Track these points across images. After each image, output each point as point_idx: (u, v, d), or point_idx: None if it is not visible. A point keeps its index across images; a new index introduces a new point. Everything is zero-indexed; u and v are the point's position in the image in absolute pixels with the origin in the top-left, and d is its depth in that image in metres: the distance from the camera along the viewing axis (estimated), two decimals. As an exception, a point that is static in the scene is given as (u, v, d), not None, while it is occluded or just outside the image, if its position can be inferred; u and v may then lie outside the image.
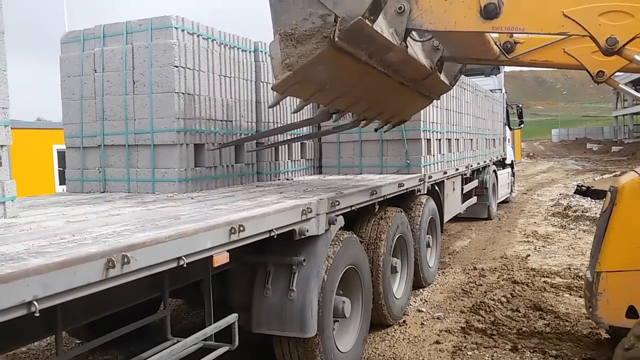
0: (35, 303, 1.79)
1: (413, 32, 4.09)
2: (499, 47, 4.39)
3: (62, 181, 14.05)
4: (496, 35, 4.40)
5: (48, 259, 1.90)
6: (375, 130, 5.95)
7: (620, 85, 3.72)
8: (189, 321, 5.91)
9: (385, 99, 4.95)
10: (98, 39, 4.86)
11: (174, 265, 2.43)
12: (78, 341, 4.99)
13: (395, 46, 3.81)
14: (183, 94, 4.64)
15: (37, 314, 1.80)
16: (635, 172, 3.76)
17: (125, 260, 2.11)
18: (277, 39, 3.41)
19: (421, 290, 6.68)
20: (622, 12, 3.35)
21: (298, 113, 5.26)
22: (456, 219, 10.01)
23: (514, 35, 4.37)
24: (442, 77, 5.10)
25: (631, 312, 3.53)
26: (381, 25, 3.65)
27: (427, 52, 4.70)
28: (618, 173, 20.64)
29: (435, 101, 7.24)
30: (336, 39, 3.27)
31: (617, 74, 3.99)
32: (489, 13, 3.54)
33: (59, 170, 13.94)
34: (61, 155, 14.34)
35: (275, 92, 3.79)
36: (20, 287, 1.74)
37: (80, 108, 4.96)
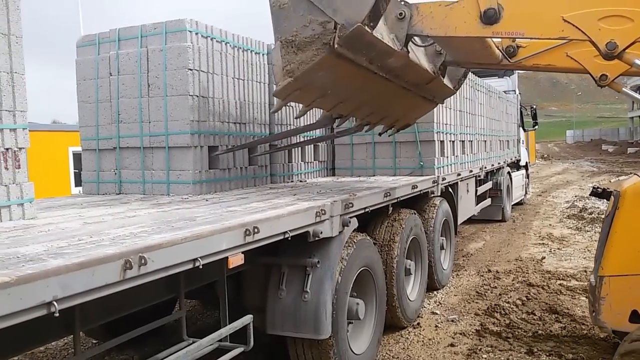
0: (55, 303, 1.81)
1: (415, 37, 4.11)
2: (501, 52, 4.39)
3: (78, 183, 14.22)
4: (499, 39, 4.40)
5: (67, 260, 1.92)
6: (380, 134, 5.97)
7: (623, 89, 3.70)
8: (203, 322, 5.94)
9: (388, 104, 4.98)
10: (113, 42, 4.91)
11: (190, 266, 2.45)
12: (94, 341, 5.04)
13: (396, 52, 3.84)
14: (197, 96, 4.67)
15: (57, 314, 1.82)
16: (638, 175, 3.73)
17: (143, 261, 2.13)
18: (278, 46, 3.46)
19: (435, 292, 6.65)
20: (621, 17, 3.35)
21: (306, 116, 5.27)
22: (470, 221, 9.94)
23: (517, 39, 4.36)
24: (446, 81, 5.11)
25: (634, 317, 3.49)
26: (381, 31, 3.67)
27: (429, 56, 4.73)
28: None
29: (448, 102, 7.25)
30: (336, 46, 3.32)
31: (628, 77, 3.96)
32: (489, 18, 3.56)
33: (74, 172, 14.09)
34: (76, 157, 14.52)
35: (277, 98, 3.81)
36: (40, 287, 1.76)
37: (96, 111, 5.01)
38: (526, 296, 6.36)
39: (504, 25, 3.57)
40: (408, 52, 4.00)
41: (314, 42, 3.37)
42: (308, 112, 4.70)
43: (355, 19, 3.28)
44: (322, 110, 4.92)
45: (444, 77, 4.96)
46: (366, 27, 3.34)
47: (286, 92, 3.62)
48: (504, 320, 5.59)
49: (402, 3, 4.03)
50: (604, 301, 3.55)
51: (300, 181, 6.29)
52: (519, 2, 3.69)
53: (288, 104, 5.27)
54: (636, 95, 3.70)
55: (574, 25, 3.41)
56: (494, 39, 4.33)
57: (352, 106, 4.59)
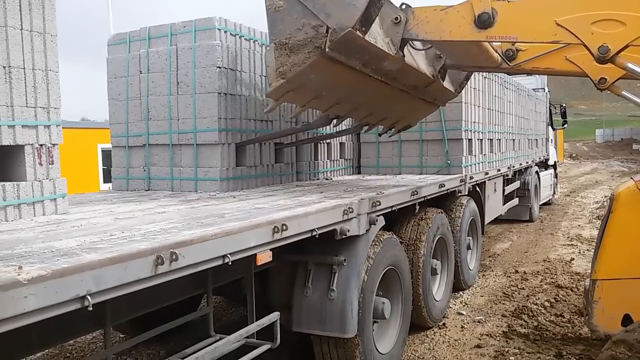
0: (89, 297, 1.84)
1: (413, 41, 4.13)
2: (500, 55, 4.39)
3: (106, 179, 14.47)
4: (498, 43, 4.37)
5: (100, 255, 1.95)
6: (379, 134, 5.93)
7: (623, 92, 3.64)
8: (228, 318, 5.99)
9: (386, 105, 4.97)
10: (143, 40, 4.97)
11: (219, 262, 2.46)
12: (122, 335, 5.13)
13: (391, 55, 3.87)
14: (225, 94, 4.70)
15: (90, 308, 1.85)
16: (633, 179, 3.70)
17: (174, 257, 2.15)
18: (272, 48, 3.54)
19: (461, 292, 6.57)
20: (614, 21, 3.35)
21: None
22: (497, 220, 9.81)
23: (516, 42, 4.34)
24: (447, 84, 5.12)
25: (626, 321, 3.44)
26: (376, 35, 3.70)
27: (429, 60, 4.76)
28: (667, 175, 19.75)
29: (477, 100, 7.16)
30: (327, 50, 3.38)
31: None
32: (483, 22, 3.59)
33: (102, 169, 14.35)
34: (105, 154, 14.78)
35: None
36: (74, 281, 1.79)
37: (126, 108, 5.08)
38: (555, 298, 6.25)
39: (498, 30, 3.61)
40: (404, 55, 4.01)
41: (307, 45, 3.46)
42: (295, 116, 4.72)
43: (346, 23, 3.34)
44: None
45: (444, 80, 4.98)
46: (357, 31, 3.38)
47: (279, 93, 3.68)
48: (532, 322, 5.50)
49: (400, 7, 4.09)
50: (596, 305, 3.54)
51: (326, 179, 6.28)
52: (512, 7, 3.71)
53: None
54: (635, 98, 3.64)
55: (566, 29, 3.43)
56: (493, 43, 4.31)
57: (349, 107, 4.61)
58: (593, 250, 3.83)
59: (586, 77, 3.83)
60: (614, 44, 3.36)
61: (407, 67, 4.20)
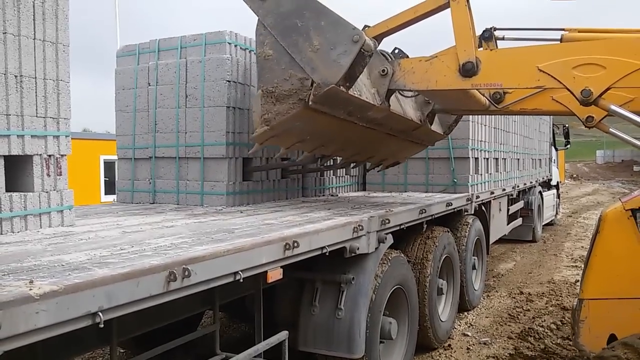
0: (100, 314, 1.78)
1: (402, 91, 4.27)
2: (487, 98, 4.47)
3: (107, 191, 14.40)
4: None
5: (113, 270, 1.90)
6: (367, 170, 6.01)
7: (610, 129, 3.75)
8: (229, 335, 5.89)
9: (373, 147, 5.12)
10: (153, 53, 4.96)
11: (231, 279, 2.41)
12: (122, 350, 5.03)
13: (376, 106, 4.00)
14: (234, 108, 4.68)
15: (102, 325, 1.79)
16: (620, 200, 3.74)
17: (186, 273, 2.09)
18: (259, 95, 3.64)
19: (466, 313, 6.49)
20: (595, 65, 3.44)
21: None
22: (500, 240, 9.73)
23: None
24: (435, 127, 5.31)
25: (612, 340, 3.47)
26: (361, 87, 3.85)
27: (418, 105, 4.93)
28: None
29: (484, 119, 7.15)
30: (310, 103, 3.50)
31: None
32: (467, 71, 3.67)
33: (104, 180, 14.28)
34: (107, 165, 14.73)
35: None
36: (87, 297, 1.74)
37: (133, 120, 5.05)
38: (561, 320, 6.16)
39: (482, 78, 3.68)
40: (389, 105, 4.13)
41: (292, 96, 3.55)
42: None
43: (330, 79, 3.44)
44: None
45: (432, 123, 5.12)
46: (341, 87, 3.50)
47: (263, 138, 3.79)
48: (539, 345, 5.41)
49: (392, 51, 4.35)
50: (583, 324, 3.60)
51: (332, 195, 6.24)
52: (495, 55, 3.82)
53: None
54: (624, 135, 3.70)
55: (549, 74, 3.52)
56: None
57: (334, 148, 4.73)
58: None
59: (573, 116, 3.90)
60: (596, 87, 3.44)
61: (393, 115, 4.33)
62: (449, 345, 5.46)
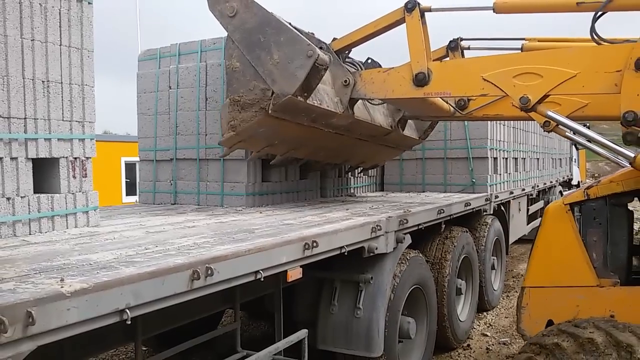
0: (128, 311, 1.85)
1: (364, 99, 4.51)
2: (451, 105, 4.76)
3: (129, 192, 14.62)
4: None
5: (139, 269, 1.96)
6: (346, 172, 6.25)
7: (566, 133, 3.83)
8: (249, 333, 5.96)
9: (346, 151, 5.35)
10: (174, 56, 5.05)
11: (252, 278, 2.46)
12: (144, 348, 5.12)
13: (338, 113, 4.25)
14: (253, 110, 4.73)
15: (129, 322, 1.86)
16: (562, 195, 3.82)
17: (209, 272, 2.15)
18: (227, 103, 3.98)
19: (485, 313, 6.47)
20: (532, 74, 3.68)
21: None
22: (519, 240, 9.65)
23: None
24: (409, 132, 5.62)
25: (550, 326, 3.61)
26: (323, 95, 4.13)
27: (390, 111, 5.22)
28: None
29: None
30: (270, 112, 3.81)
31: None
32: (420, 81, 3.98)
33: (125, 182, 14.50)
34: (128, 167, 14.95)
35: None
36: (115, 295, 1.80)
37: (155, 123, 5.15)
38: (582, 321, 6.10)
39: (433, 87, 4.00)
40: (353, 113, 4.40)
41: (255, 105, 3.89)
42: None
43: (287, 90, 3.75)
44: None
45: (404, 129, 5.38)
46: (299, 97, 3.77)
47: (230, 143, 4.11)
48: (560, 346, 5.36)
49: (366, 60, 4.72)
50: (524, 310, 3.82)
51: (349, 195, 6.27)
52: (445, 66, 4.18)
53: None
54: (583, 140, 3.76)
55: (492, 83, 3.79)
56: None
57: (306, 152, 4.93)
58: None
59: (532, 120, 4.00)
60: (534, 94, 3.67)
61: (360, 121, 4.58)
62: (468, 345, 5.46)
